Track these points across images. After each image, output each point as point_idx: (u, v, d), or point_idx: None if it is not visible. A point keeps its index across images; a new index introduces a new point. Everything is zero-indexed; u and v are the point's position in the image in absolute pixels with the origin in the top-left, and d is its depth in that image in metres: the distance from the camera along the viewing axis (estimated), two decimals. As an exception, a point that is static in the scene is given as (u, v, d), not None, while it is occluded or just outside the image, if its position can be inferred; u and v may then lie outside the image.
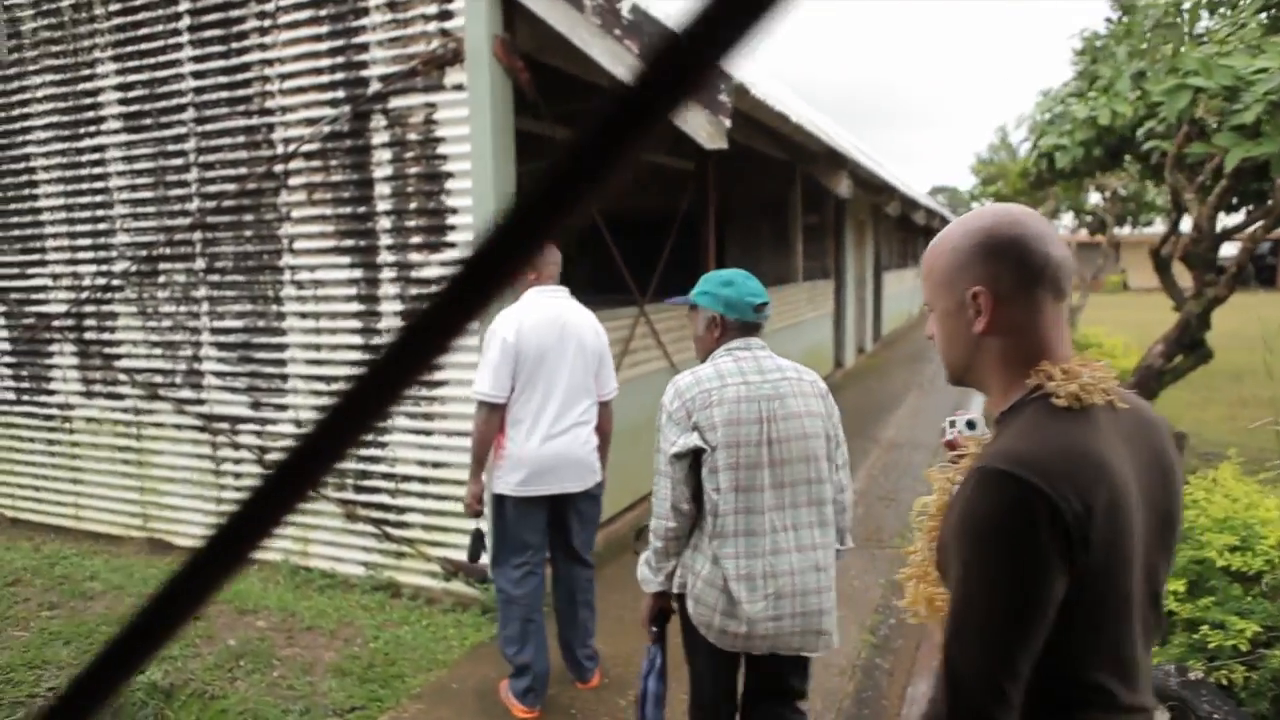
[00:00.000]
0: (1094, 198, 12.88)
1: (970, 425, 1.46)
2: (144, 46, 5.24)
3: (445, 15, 4.34)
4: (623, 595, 4.64)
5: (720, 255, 8.39)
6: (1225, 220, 6.18)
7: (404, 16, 4.45)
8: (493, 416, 3.42)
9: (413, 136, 4.48)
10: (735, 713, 2.64)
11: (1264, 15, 4.88)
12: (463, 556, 4.56)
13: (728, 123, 3.82)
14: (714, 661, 2.50)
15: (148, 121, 5.30)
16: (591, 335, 3.70)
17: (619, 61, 4.02)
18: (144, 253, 5.40)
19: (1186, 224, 6.02)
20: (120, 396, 5.66)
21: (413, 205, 4.52)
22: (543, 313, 3.50)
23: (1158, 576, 1.22)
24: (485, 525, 3.70)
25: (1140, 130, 4.92)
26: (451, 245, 4.42)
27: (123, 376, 5.60)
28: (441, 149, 4.41)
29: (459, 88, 4.32)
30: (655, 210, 7.92)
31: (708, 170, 7.23)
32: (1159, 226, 16.03)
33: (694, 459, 2.40)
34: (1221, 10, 5.32)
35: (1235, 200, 6.15)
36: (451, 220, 4.42)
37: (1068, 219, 13.75)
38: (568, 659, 3.76)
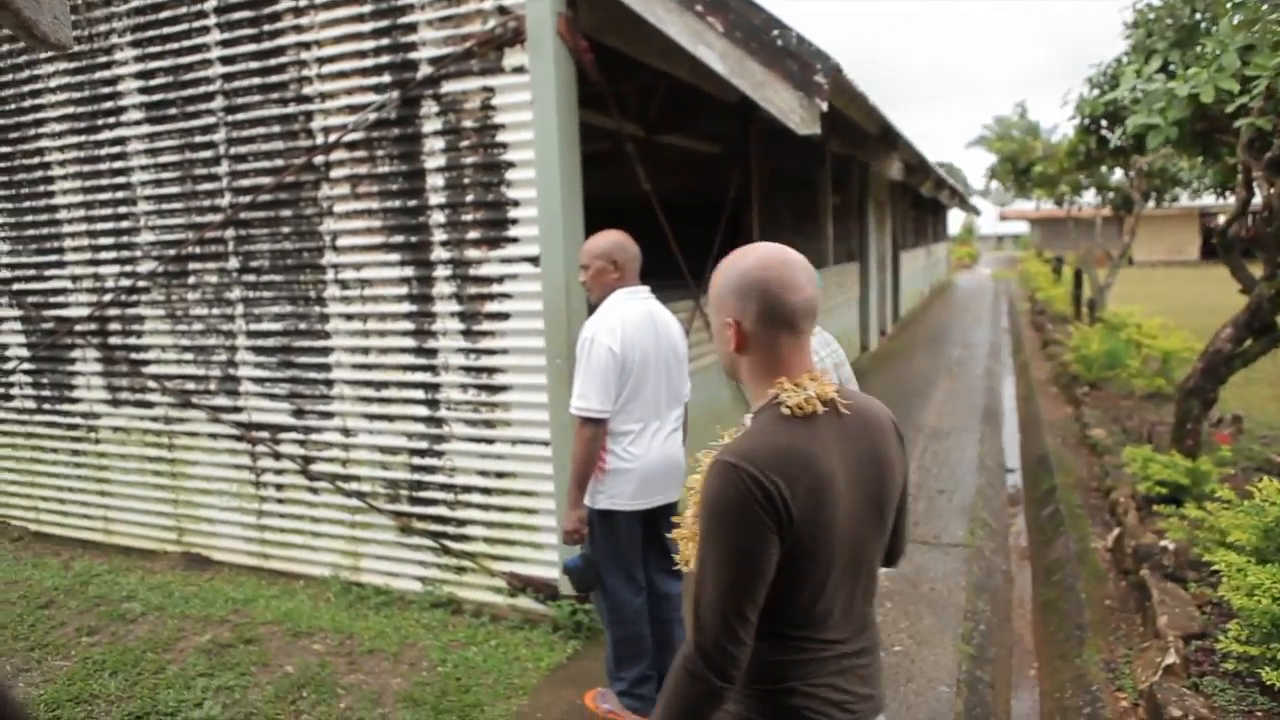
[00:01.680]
0: (1117, 174, 12.61)
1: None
2: (166, 30, 4.90)
3: (502, -8, 4.02)
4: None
5: (749, 239, 8.10)
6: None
7: (456, -6, 4.13)
8: (599, 433, 3.16)
9: (468, 124, 4.17)
10: None
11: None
12: (530, 570, 4.32)
13: (824, 106, 3.53)
14: None
15: (172, 111, 4.97)
16: (679, 337, 3.47)
17: (700, 40, 3.72)
18: (171, 252, 5.08)
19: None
20: (149, 404, 5.35)
21: (469, 198, 4.21)
22: (636, 316, 3.24)
23: (867, 547, 1.55)
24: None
25: (1231, 107, 4.64)
26: (513, 240, 4.13)
27: (151, 383, 5.29)
28: (501, 136, 4.10)
29: (520, 70, 4.01)
30: (681, 193, 7.62)
31: (749, 154, 6.95)
32: (1185, 201, 15.81)
33: None
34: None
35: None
36: (513, 213, 4.12)
37: (1090, 195, 13.51)
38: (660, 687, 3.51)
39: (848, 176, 11.12)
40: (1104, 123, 7.08)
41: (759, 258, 1.54)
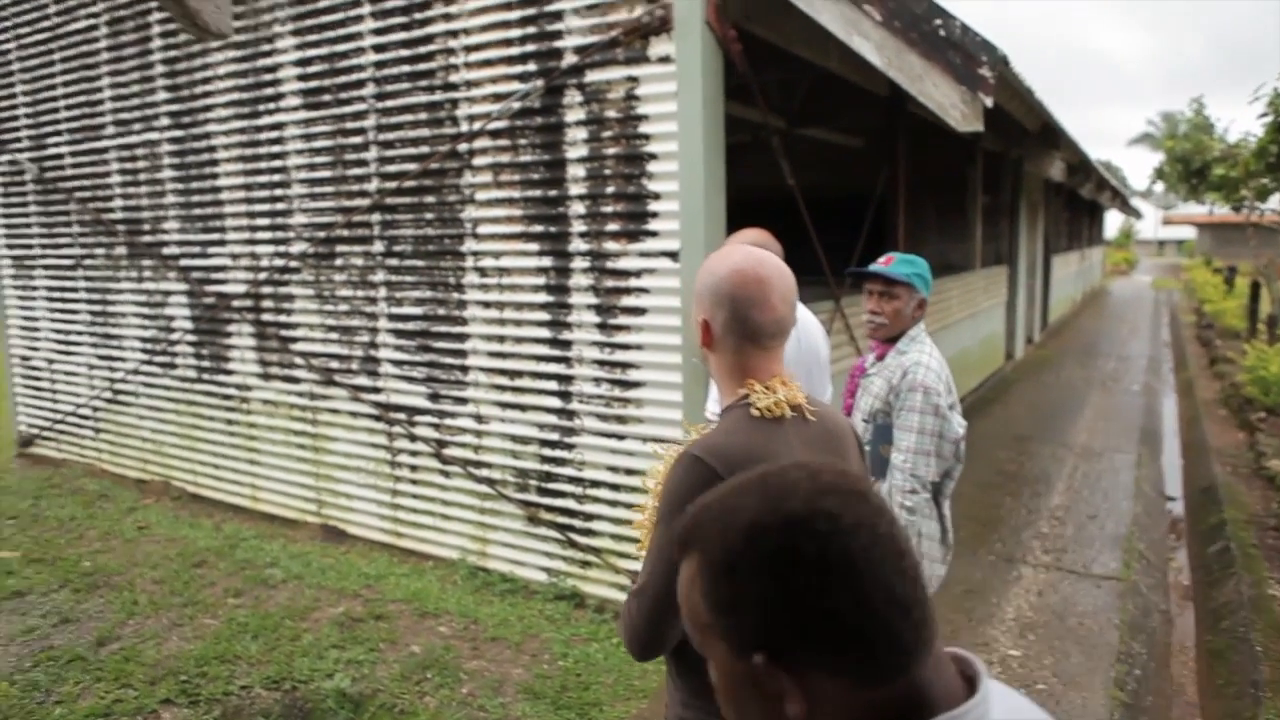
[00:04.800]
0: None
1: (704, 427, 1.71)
2: (324, 19, 5.06)
3: (652, -21, 3.93)
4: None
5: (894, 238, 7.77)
6: None
7: (605, -18, 4.06)
8: None
9: (611, 114, 4.11)
10: None
11: None
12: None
13: (989, 102, 3.28)
14: None
15: (326, 98, 5.13)
16: (821, 341, 3.29)
17: (854, 30, 3.52)
18: (321, 234, 5.26)
19: None
20: (296, 380, 5.57)
21: (610, 189, 4.16)
22: None
23: None
24: None
25: None
26: (653, 234, 4.04)
27: (299, 360, 5.51)
28: (644, 128, 4.02)
29: (665, 60, 3.91)
30: (822, 188, 7.38)
31: (897, 149, 6.64)
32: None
33: None
34: None
35: None
36: (653, 206, 4.03)
37: (1275, 200, 12.35)
38: None
39: (1000, 175, 10.53)
40: (1302, 121, 6.39)
41: (737, 269, 1.55)
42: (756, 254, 1.59)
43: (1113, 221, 53.30)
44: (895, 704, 0.77)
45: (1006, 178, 10.72)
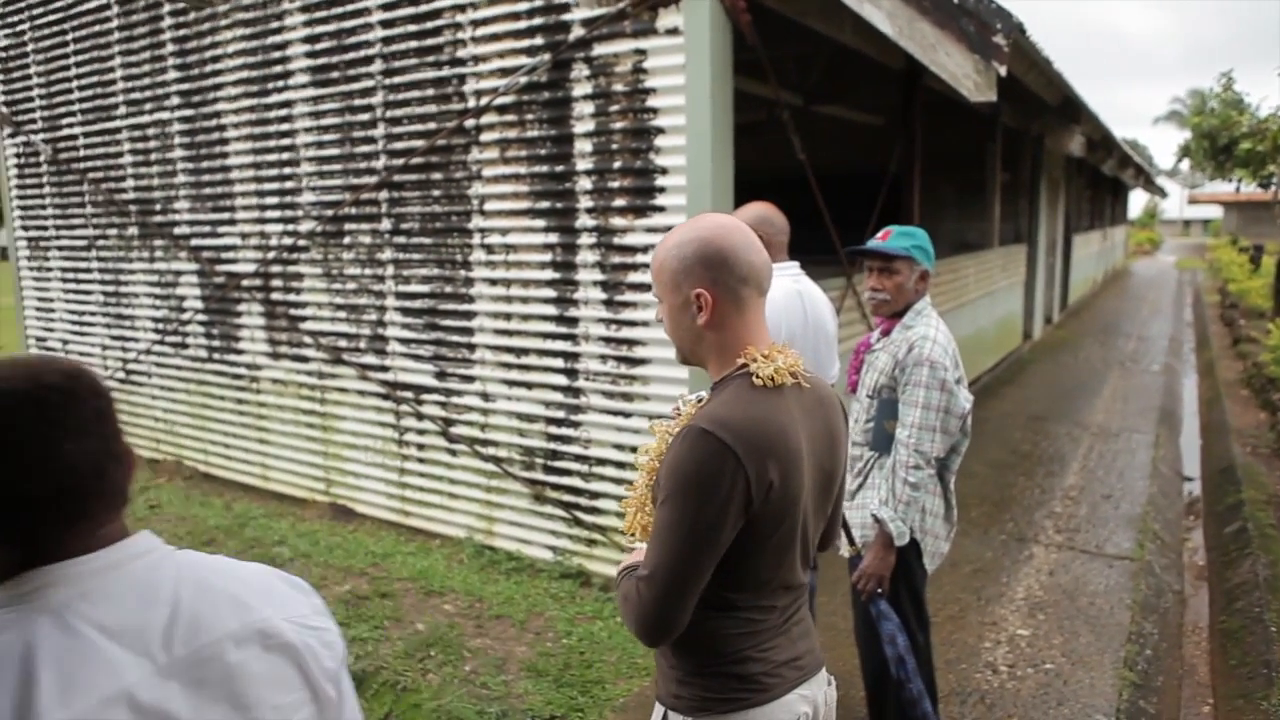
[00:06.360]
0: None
1: (699, 400, 1.63)
2: (332, -4, 5.01)
3: (658, -51, 3.86)
4: (830, 599, 4.19)
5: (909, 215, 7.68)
6: None
7: (611, -47, 3.99)
8: None
9: (618, 87, 4.05)
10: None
11: None
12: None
13: (1002, 70, 3.20)
14: (924, 583, 2.87)
15: (334, 75, 5.09)
16: (829, 317, 3.25)
17: (869, 0, 3.44)
18: (329, 212, 5.23)
19: None
20: (305, 359, 5.57)
21: (616, 164, 4.10)
22: (782, 294, 3.02)
23: (813, 520, 1.57)
24: None
25: None
26: (660, 209, 3.99)
27: (307, 339, 5.50)
28: (651, 101, 3.96)
29: (673, 32, 3.85)
30: (838, 166, 7.29)
31: (913, 125, 6.54)
32: None
33: None
34: None
35: None
36: (660, 181, 3.98)
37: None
38: None
39: (1020, 151, 10.37)
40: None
41: (715, 225, 1.52)
42: (711, 215, 1.58)
43: (1137, 201, 52.58)
44: (25, 556, 0.96)
45: (1026, 154, 10.57)
